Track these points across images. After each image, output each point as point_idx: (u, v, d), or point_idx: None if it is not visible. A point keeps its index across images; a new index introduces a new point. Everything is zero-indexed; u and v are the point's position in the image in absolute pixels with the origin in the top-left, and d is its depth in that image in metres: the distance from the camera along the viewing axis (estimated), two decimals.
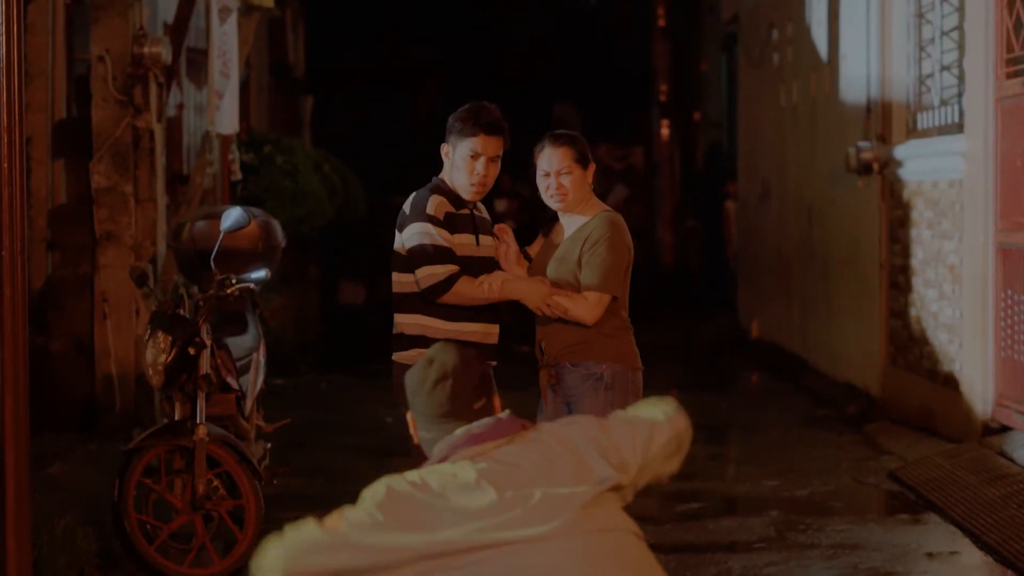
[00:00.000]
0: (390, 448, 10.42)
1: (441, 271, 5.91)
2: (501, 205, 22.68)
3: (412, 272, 5.97)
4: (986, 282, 9.44)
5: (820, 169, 13.44)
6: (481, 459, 3.86)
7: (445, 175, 6.06)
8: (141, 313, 10.03)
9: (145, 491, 7.06)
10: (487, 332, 6.07)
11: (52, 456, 9.03)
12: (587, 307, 5.98)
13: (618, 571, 3.81)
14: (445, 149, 6.05)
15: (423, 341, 5.92)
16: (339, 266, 21.19)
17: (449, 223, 5.98)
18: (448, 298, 5.93)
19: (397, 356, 6.05)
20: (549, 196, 6.09)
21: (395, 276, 6.07)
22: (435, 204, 5.96)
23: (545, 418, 6.00)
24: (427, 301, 5.96)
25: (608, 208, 6.18)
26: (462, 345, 5.78)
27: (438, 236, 5.93)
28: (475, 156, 5.98)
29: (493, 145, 6.00)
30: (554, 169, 6.06)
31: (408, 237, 5.97)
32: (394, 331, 6.10)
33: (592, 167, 6.14)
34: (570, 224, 6.14)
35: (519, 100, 26.72)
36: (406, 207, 6.04)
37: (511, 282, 6.03)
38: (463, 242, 6.01)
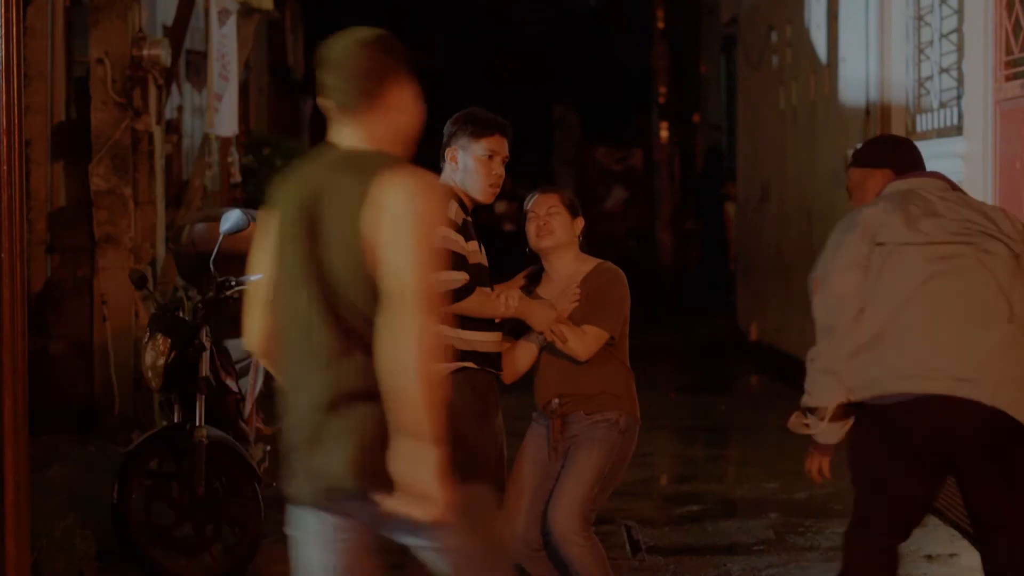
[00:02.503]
0: None
1: (458, 277, 5.63)
2: (501, 207, 22.70)
3: None
4: None
5: (819, 171, 13.43)
6: None
7: (449, 180, 5.83)
8: (140, 315, 10.03)
9: (144, 493, 7.06)
10: (495, 341, 5.87)
11: (51, 458, 9.03)
12: (586, 342, 5.89)
13: None
14: (452, 153, 5.83)
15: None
16: None
17: (464, 229, 5.75)
18: (458, 307, 5.64)
19: None
20: (536, 236, 6.03)
21: None
22: (453, 209, 5.71)
23: (538, 465, 5.99)
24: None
25: (607, 261, 6.16)
26: (473, 355, 5.72)
27: (456, 242, 5.66)
28: (491, 156, 5.80)
29: (505, 145, 5.89)
30: (542, 211, 6.03)
31: None
32: None
33: (581, 221, 6.08)
34: (562, 275, 6.08)
35: (519, 102, 26.75)
36: None
37: (525, 301, 5.90)
38: (472, 249, 5.77)
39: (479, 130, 5.81)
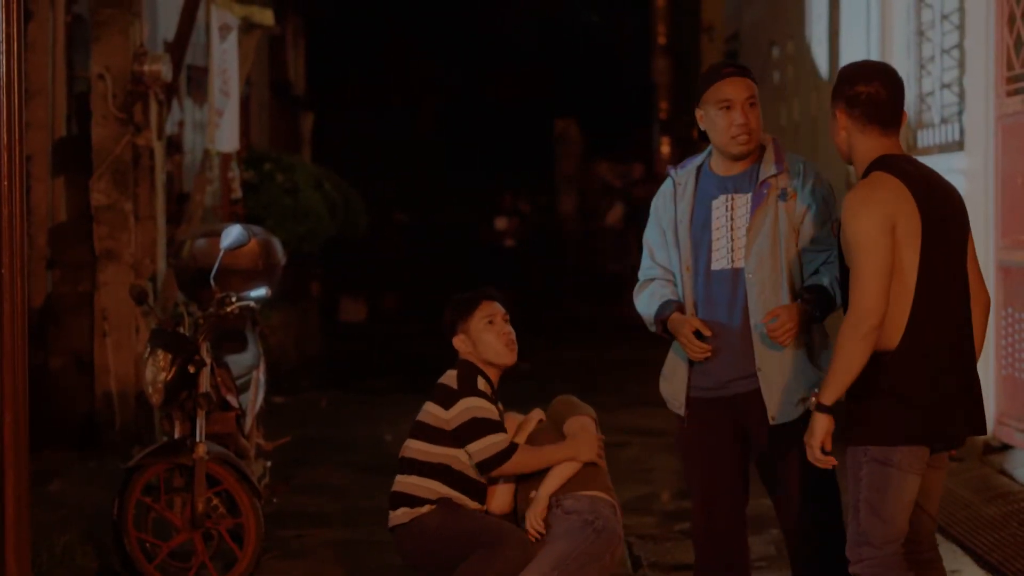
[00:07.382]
0: (390, 466, 10.39)
1: (501, 440, 6.06)
2: (502, 223, 22.64)
3: (455, 446, 6.08)
4: None
5: None
6: None
7: (470, 358, 6.17)
8: (141, 331, 10.03)
9: (145, 509, 7.05)
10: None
11: (52, 473, 9.03)
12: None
13: None
14: (458, 340, 6.21)
15: (431, 502, 6.10)
16: (340, 283, 21.19)
17: (492, 399, 6.17)
18: (507, 468, 6.07)
19: (401, 516, 6.15)
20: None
21: (420, 445, 6.17)
22: (482, 382, 6.15)
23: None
24: (453, 475, 6.09)
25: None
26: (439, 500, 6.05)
27: (491, 412, 6.09)
28: (491, 321, 6.18)
29: (497, 306, 6.25)
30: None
31: (459, 413, 6.08)
32: (399, 489, 6.21)
33: None
34: None
35: (520, 117, 26.77)
36: (450, 383, 6.15)
37: (567, 445, 6.17)
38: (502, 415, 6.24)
39: (468, 309, 6.19)
